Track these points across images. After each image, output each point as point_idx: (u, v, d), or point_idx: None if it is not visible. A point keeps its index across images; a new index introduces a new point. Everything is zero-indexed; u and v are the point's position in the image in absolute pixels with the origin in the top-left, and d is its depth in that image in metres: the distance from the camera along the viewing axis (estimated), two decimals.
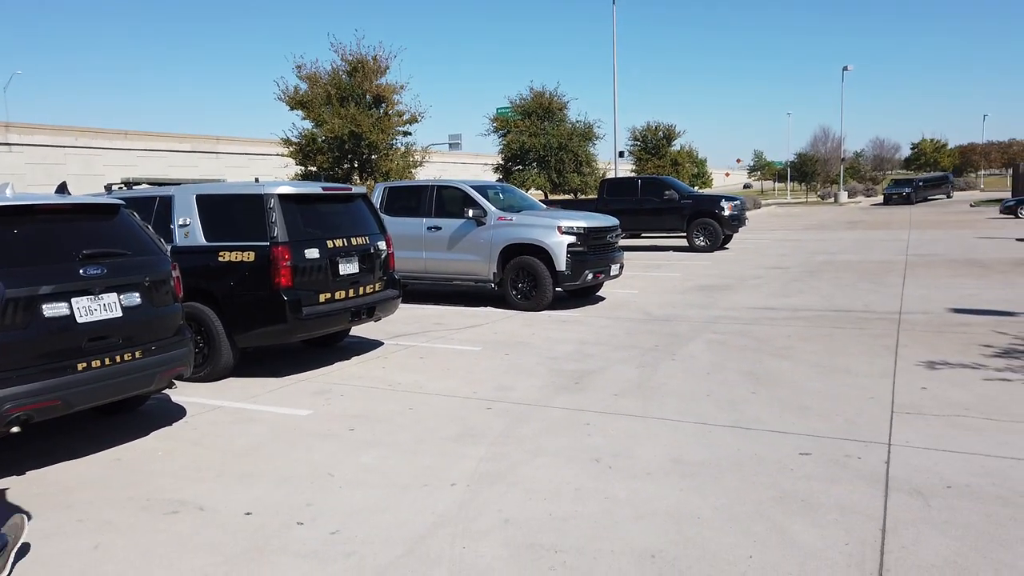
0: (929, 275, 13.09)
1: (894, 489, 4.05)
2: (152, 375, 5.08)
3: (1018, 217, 30.13)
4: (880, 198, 51.29)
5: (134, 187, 8.10)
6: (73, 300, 4.59)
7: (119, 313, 4.86)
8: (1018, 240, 19.55)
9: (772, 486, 4.15)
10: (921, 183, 51.07)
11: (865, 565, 3.25)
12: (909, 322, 8.82)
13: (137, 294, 5.02)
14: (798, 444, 4.80)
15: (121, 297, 4.90)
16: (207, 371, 6.81)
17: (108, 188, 8.14)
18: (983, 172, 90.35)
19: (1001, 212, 31.90)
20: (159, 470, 4.72)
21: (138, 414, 5.96)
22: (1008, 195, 42.05)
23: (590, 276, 10.52)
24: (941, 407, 5.47)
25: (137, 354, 4.96)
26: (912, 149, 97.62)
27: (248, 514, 4.00)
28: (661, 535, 3.60)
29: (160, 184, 8.10)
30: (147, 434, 5.45)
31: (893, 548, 3.39)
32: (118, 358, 4.82)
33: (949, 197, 51.75)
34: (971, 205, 42.81)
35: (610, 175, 30.58)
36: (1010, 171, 55.51)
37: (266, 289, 6.63)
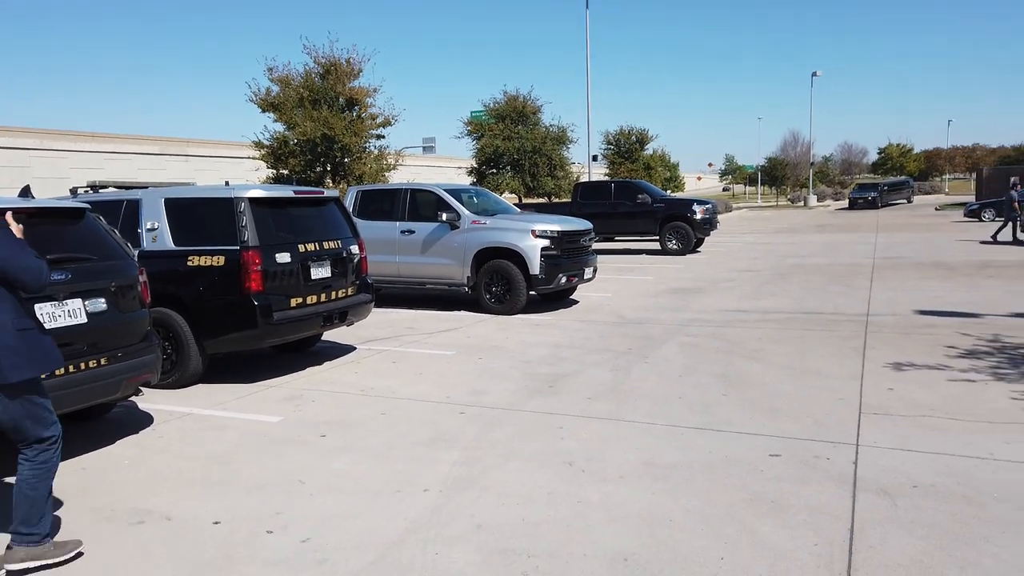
0: (896, 278, 13.33)
1: (862, 489, 4.10)
2: (118, 382, 4.99)
3: (981, 220, 30.80)
4: (847, 202, 51.37)
5: (100, 190, 7.95)
6: (36, 306, 4.49)
7: (84, 319, 4.77)
8: (982, 243, 19.99)
9: (743, 488, 4.18)
10: (886, 187, 50.91)
11: (834, 565, 3.29)
12: (877, 324, 8.97)
13: (103, 300, 4.92)
14: (768, 446, 4.85)
15: (86, 303, 4.81)
16: (175, 378, 6.70)
17: (74, 191, 7.99)
18: (948, 176, 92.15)
19: (965, 215, 32.58)
20: (125, 479, 4.64)
21: (104, 422, 5.85)
22: (972, 199, 42.99)
23: (564, 279, 10.55)
24: (907, 408, 5.56)
25: (103, 361, 4.87)
26: (879, 154, 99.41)
27: (216, 523, 3.94)
28: (633, 538, 3.61)
29: (127, 187, 7.96)
30: (113, 442, 5.35)
31: (861, 548, 3.44)
32: (83, 365, 4.73)
33: (909, 202, 51.86)
34: (936, 209, 43.66)
35: (584, 179, 30.69)
36: (974, 175, 56.59)
37: (236, 294, 6.55)
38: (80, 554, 3.56)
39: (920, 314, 9.53)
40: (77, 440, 5.38)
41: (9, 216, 3.53)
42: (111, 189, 8.12)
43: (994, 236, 20.34)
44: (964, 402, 5.65)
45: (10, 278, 3.35)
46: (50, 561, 3.43)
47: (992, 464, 4.39)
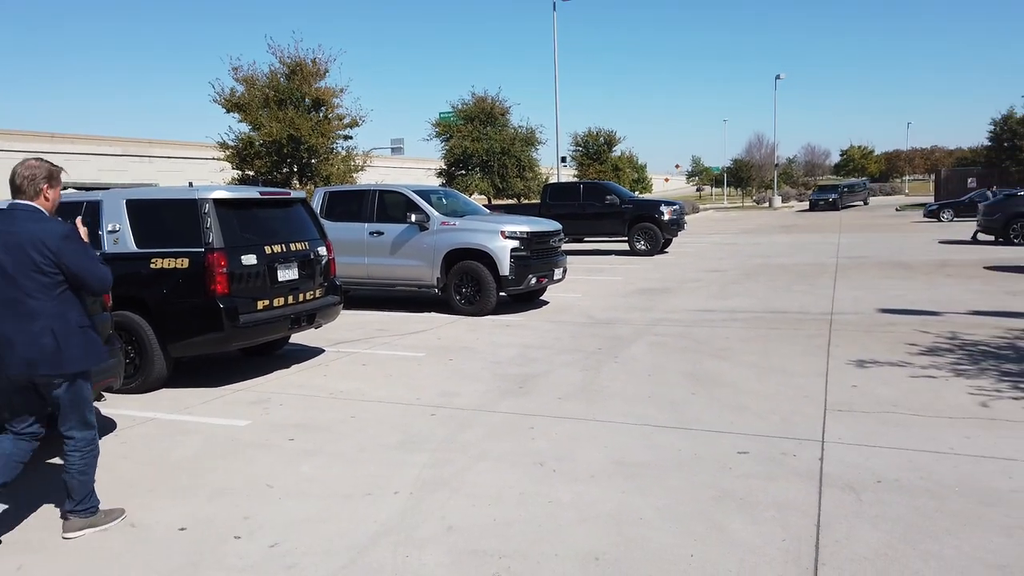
0: (859, 277, 13.59)
1: (828, 485, 4.17)
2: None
3: (940, 220, 31.56)
4: (808, 203, 50.13)
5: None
6: None
7: None
8: (940, 243, 20.48)
9: (712, 485, 4.22)
10: (845, 188, 51.18)
11: (801, 560, 3.34)
12: (840, 323, 9.13)
13: None
14: (736, 443, 4.90)
15: None
16: (139, 382, 6.57)
17: None
18: (907, 177, 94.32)
19: (925, 216, 33.35)
20: None
21: None
22: (931, 199, 44.04)
23: (534, 280, 10.56)
24: (871, 404, 5.67)
25: None
26: (841, 155, 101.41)
27: (182, 529, 3.87)
28: (604, 537, 3.62)
29: (88, 189, 7.79)
30: None
31: (827, 542, 3.49)
32: None
33: (866, 203, 52.10)
34: (896, 209, 44.63)
35: (553, 180, 30.80)
36: (933, 176, 57.88)
37: (201, 296, 6.44)
38: (124, 516, 4.03)
39: (882, 312, 9.73)
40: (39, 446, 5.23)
41: (79, 222, 3.94)
42: (71, 191, 7.94)
43: (974, 236, 20.88)
44: (925, 398, 5.78)
45: (82, 283, 3.71)
46: (102, 527, 3.89)
47: (953, 459, 4.49)
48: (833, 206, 45.76)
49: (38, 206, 3.69)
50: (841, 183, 59.57)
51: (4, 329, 3.58)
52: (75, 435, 3.82)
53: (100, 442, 5.26)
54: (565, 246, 12.22)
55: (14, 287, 3.56)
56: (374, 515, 3.96)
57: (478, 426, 5.46)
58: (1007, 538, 3.47)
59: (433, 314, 10.69)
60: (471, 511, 3.98)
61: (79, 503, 3.85)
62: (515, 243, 10.35)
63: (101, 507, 3.98)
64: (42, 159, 3.82)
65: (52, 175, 3.74)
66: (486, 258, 10.35)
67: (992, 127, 44.00)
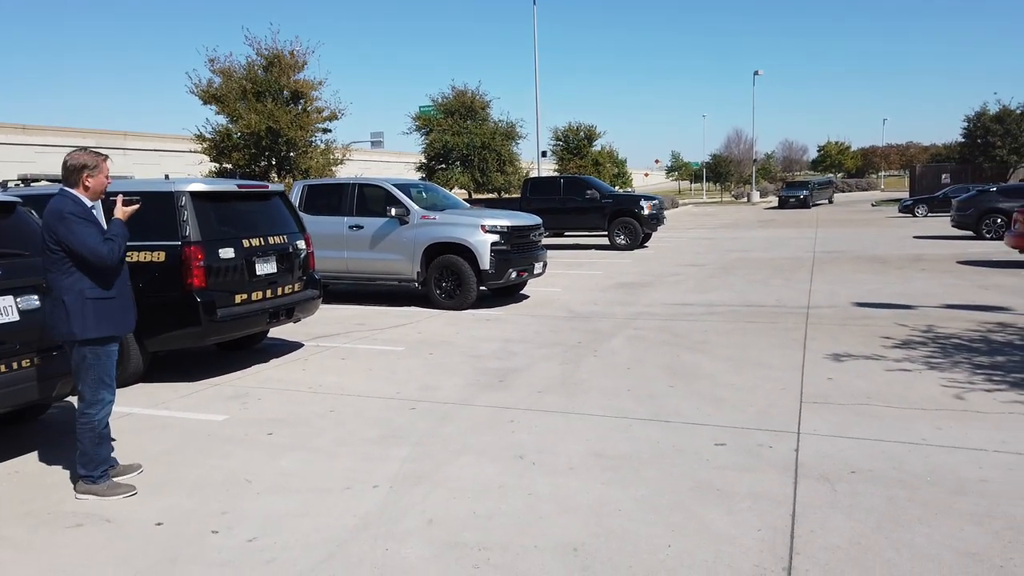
0: (835, 271, 13.75)
1: (803, 476, 4.23)
2: (53, 382, 4.81)
3: (915, 216, 32.02)
4: (777, 201, 46.95)
5: (32, 184, 7.66)
6: None
7: (16, 317, 4.59)
8: (915, 238, 20.77)
9: (690, 476, 4.27)
10: (816, 185, 49.41)
11: (776, 549, 3.39)
12: (817, 316, 9.24)
13: (36, 296, 4.74)
14: (714, 435, 4.96)
15: (18, 300, 4.63)
16: None
17: (3, 185, 7.68)
18: (883, 173, 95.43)
19: (900, 211, 33.85)
20: (61, 482, 4.48)
21: (39, 423, 5.64)
22: (906, 195, 44.63)
23: (514, 274, 10.57)
24: (846, 396, 5.75)
25: (36, 360, 4.70)
26: (819, 151, 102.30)
27: (159, 524, 3.84)
28: (583, 528, 3.65)
29: (60, 182, 7.67)
30: (48, 443, 5.16)
31: (802, 532, 3.55)
32: (15, 364, 4.55)
33: (830, 201, 49.79)
34: (872, 205, 45.20)
35: (533, 175, 30.80)
36: (908, 172, 58.55)
37: (178, 290, 6.38)
38: (134, 494, 4.20)
39: (858, 306, 9.86)
40: (9, 443, 5.18)
41: (119, 200, 4.28)
42: (43, 183, 7.83)
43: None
44: (899, 390, 5.87)
45: (79, 258, 4.03)
46: (106, 497, 4.15)
47: (925, 449, 4.58)
48: (803, 204, 44.18)
49: (71, 191, 4.11)
50: (812, 180, 57.89)
51: (44, 301, 4.26)
52: (78, 402, 4.22)
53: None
54: (545, 240, 12.25)
55: (46, 264, 4.10)
56: (354, 509, 3.96)
57: (458, 420, 5.47)
58: (977, 526, 3.54)
59: (413, 308, 10.66)
60: (452, 504, 3.99)
61: (81, 467, 4.20)
62: (495, 237, 10.35)
63: (111, 481, 4.26)
64: (88, 150, 4.23)
65: (87, 165, 4.13)
66: (466, 252, 10.34)
67: (966, 124, 44.58)
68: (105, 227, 4.16)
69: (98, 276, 4.09)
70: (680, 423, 5.23)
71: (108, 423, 4.29)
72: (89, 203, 4.15)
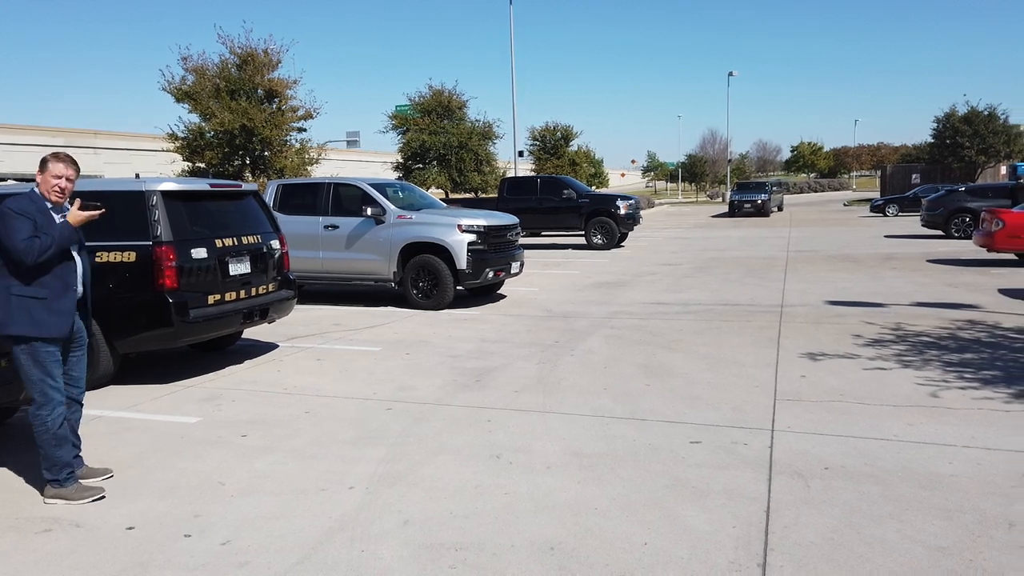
0: (808, 270, 13.91)
1: (777, 473, 4.27)
2: (20, 385, 4.70)
3: (886, 215, 32.52)
4: (728, 207, 37.95)
5: (0, 183, 7.50)
6: None
7: None
8: (886, 237, 21.08)
9: (665, 474, 4.29)
10: (775, 188, 41.99)
11: (751, 546, 3.41)
12: (790, 315, 9.34)
13: None
14: (689, 433, 4.99)
15: None
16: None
17: None
18: (855, 173, 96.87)
19: (871, 211, 34.36)
20: (30, 487, 4.39)
21: (6, 427, 5.52)
22: (877, 195, 45.30)
23: (491, 274, 10.56)
24: (819, 394, 5.82)
25: (3, 363, 4.59)
26: (792, 152, 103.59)
27: (130, 528, 3.78)
28: (560, 527, 3.65)
29: (29, 180, 7.52)
30: (17, 448, 5.05)
31: (776, 528, 3.58)
32: None
33: (780, 209, 40.92)
34: (844, 205, 45.84)
35: (510, 174, 30.81)
36: (879, 172, 59.39)
37: (149, 291, 6.29)
38: (102, 497, 4.15)
39: (830, 304, 9.98)
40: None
41: (76, 204, 4.18)
42: (11, 182, 7.67)
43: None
44: (871, 387, 5.95)
45: (6, 255, 3.99)
46: (74, 501, 4.11)
47: (897, 445, 4.64)
48: (761, 211, 35.04)
49: (37, 190, 4.12)
50: (768, 181, 49.45)
51: None
52: (31, 405, 4.16)
53: None
54: (522, 240, 12.25)
55: None
56: (329, 511, 3.92)
57: (435, 420, 5.44)
58: (947, 521, 3.60)
59: (390, 308, 10.61)
60: (428, 504, 3.97)
61: (46, 471, 4.16)
62: (472, 237, 10.33)
63: (79, 484, 4.22)
64: (56, 151, 4.25)
65: (42, 162, 4.13)
66: (443, 252, 10.31)
67: (935, 125, 45.31)
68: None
69: (23, 274, 3.99)
70: (656, 421, 5.26)
71: (65, 424, 4.18)
72: (50, 203, 4.10)
